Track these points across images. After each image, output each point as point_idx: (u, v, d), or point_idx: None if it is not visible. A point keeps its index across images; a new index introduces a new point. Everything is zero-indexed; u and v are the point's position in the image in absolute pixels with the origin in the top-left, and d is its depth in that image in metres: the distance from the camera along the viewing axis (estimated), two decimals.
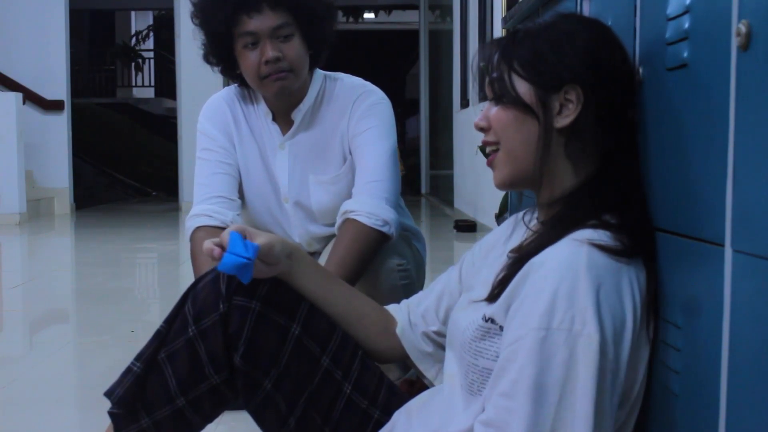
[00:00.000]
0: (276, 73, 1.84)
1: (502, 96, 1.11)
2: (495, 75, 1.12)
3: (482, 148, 1.21)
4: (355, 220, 1.83)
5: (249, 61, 1.85)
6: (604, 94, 1.08)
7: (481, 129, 1.15)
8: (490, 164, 1.16)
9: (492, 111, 1.13)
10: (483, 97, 1.23)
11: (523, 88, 1.10)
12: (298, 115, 1.94)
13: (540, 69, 1.09)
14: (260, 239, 1.25)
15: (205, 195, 1.95)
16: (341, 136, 1.94)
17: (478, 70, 1.20)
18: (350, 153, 1.95)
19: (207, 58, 1.93)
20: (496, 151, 1.14)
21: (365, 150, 1.91)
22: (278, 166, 1.99)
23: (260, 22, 1.81)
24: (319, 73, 1.98)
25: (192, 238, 1.93)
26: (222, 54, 1.90)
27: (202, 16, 1.87)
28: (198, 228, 1.92)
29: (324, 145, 1.96)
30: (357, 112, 1.93)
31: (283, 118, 1.97)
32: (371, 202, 1.85)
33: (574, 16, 1.17)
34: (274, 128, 1.98)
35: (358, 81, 2.00)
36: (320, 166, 1.97)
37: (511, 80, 1.10)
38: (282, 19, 1.82)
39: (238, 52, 1.86)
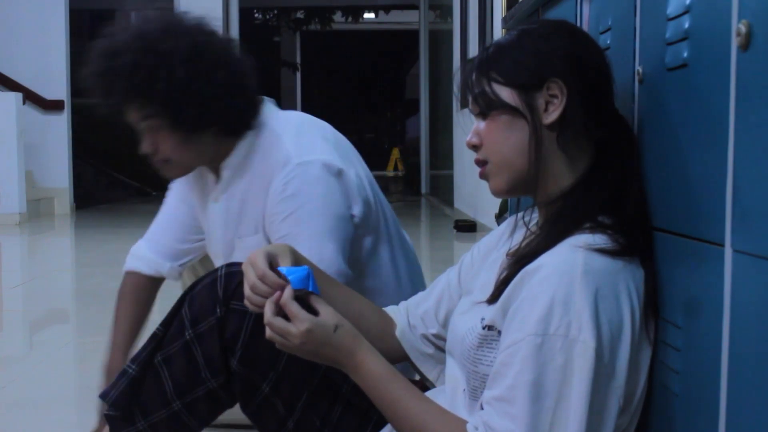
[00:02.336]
0: (156, 164, 1.67)
1: (488, 108, 1.12)
2: (477, 91, 1.13)
3: None
4: None
5: None
6: (586, 84, 1.09)
7: (474, 147, 1.15)
8: (482, 176, 1.16)
9: (481, 126, 1.14)
10: (464, 104, 1.23)
11: (505, 93, 1.11)
12: (227, 170, 1.69)
13: (518, 71, 1.10)
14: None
15: (156, 235, 1.88)
16: (261, 213, 1.68)
17: (459, 89, 1.21)
18: (263, 230, 1.69)
19: None
20: (486, 163, 1.15)
21: (297, 236, 1.58)
22: (212, 222, 1.78)
23: (129, 115, 1.64)
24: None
25: (123, 280, 1.88)
26: None
27: None
28: (130, 272, 1.88)
29: (251, 204, 1.71)
30: (276, 195, 1.63)
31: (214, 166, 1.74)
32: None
33: (543, 20, 1.18)
34: (210, 176, 1.76)
35: (285, 148, 1.65)
36: (245, 226, 1.73)
37: (493, 89, 1.11)
38: (140, 113, 1.60)
39: None
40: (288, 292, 1.14)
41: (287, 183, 1.61)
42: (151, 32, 1.59)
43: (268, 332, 1.14)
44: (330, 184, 1.62)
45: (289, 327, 1.13)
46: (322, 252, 1.56)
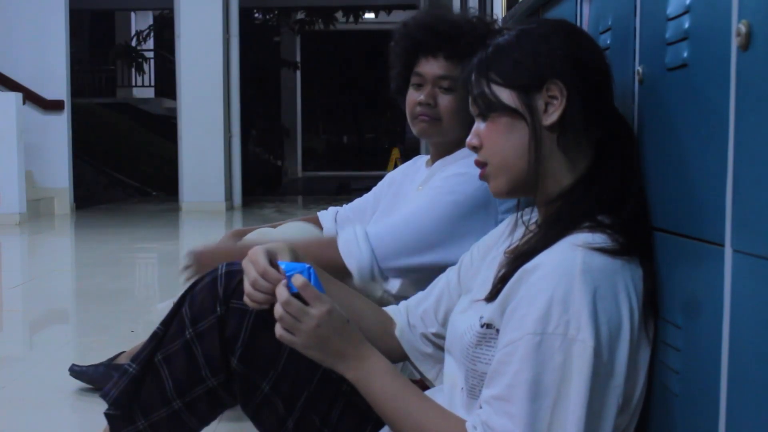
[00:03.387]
0: (423, 114, 1.80)
1: (488, 110, 1.12)
2: (476, 92, 1.13)
3: None
4: (335, 239, 1.75)
5: (409, 98, 1.83)
6: (586, 84, 1.09)
7: (474, 148, 1.15)
8: (482, 177, 1.16)
9: (481, 127, 1.14)
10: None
11: (505, 95, 1.11)
12: (438, 164, 1.85)
13: (517, 73, 1.10)
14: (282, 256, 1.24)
15: (346, 207, 2.17)
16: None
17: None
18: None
19: (394, 91, 1.91)
20: (486, 165, 1.15)
21: (419, 207, 1.76)
22: (407, 205, 1.88)
23: (430, 66, 1.78)
24: None
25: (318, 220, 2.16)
26: (398, 87, 1.89)
27: (392, 48, 1.87)
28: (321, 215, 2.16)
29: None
30: (446, 173, 1.78)
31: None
32: (360, 244, 1.72)
33: (541, 20, 1.18)
34: (423, 171, 1.93)
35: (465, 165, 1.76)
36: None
37: (492, 91, 1.11)
38: (451, 71, 1.76)
39: (408, 90, 1.84)
40: (284, 292, 1.13)
41: (464, 174, 1.72)
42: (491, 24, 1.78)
43: (279, 311, 1.12)
44: (479, 213, 1.71)
45: (307, 308, 1.12)
46: (421, 228, 1.71)
